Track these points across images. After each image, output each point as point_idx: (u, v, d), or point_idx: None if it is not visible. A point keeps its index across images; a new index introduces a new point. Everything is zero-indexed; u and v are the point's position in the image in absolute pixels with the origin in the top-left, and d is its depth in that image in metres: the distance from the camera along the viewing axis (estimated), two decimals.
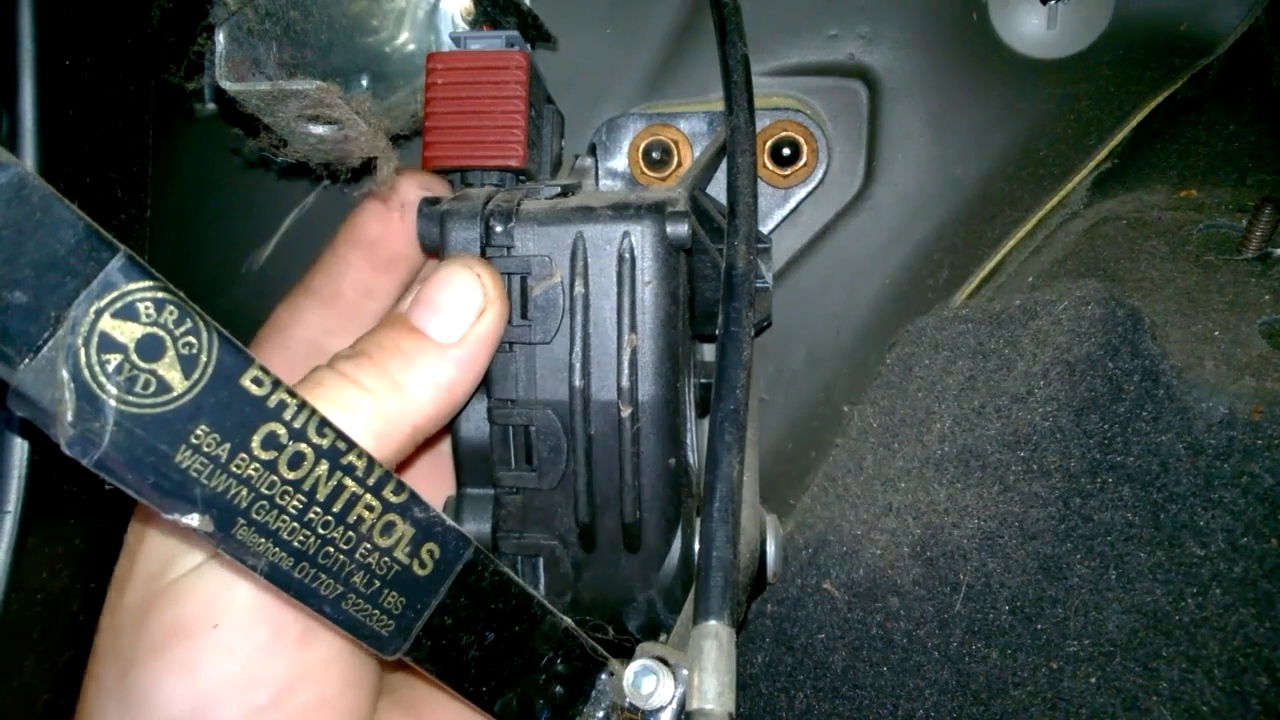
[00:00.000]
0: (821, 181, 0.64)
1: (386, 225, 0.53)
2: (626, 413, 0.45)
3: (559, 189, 0.49)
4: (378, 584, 0.35)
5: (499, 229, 0.45)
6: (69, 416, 0.29)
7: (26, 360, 0.28)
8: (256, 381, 0.32)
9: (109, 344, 0.29)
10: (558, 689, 0.42)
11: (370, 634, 0.36)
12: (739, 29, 0.56)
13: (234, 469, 0.32)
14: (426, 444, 0.47)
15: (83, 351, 0.29)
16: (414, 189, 0.52)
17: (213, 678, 0.36)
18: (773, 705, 0.58)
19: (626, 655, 0.40)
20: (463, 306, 0.43)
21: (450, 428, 0.49)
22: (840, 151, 0.65)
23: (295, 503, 0.33)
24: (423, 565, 0.36)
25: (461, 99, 0.51)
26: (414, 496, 0.36)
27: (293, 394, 0.33)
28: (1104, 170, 0.64)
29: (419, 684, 0.44)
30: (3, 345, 0.28)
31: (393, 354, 0.41)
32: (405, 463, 0.51)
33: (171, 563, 0.38)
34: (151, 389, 0.30)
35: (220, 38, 0.47)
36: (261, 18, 0.48)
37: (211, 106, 0.67)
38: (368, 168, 0.53)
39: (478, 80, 0.51)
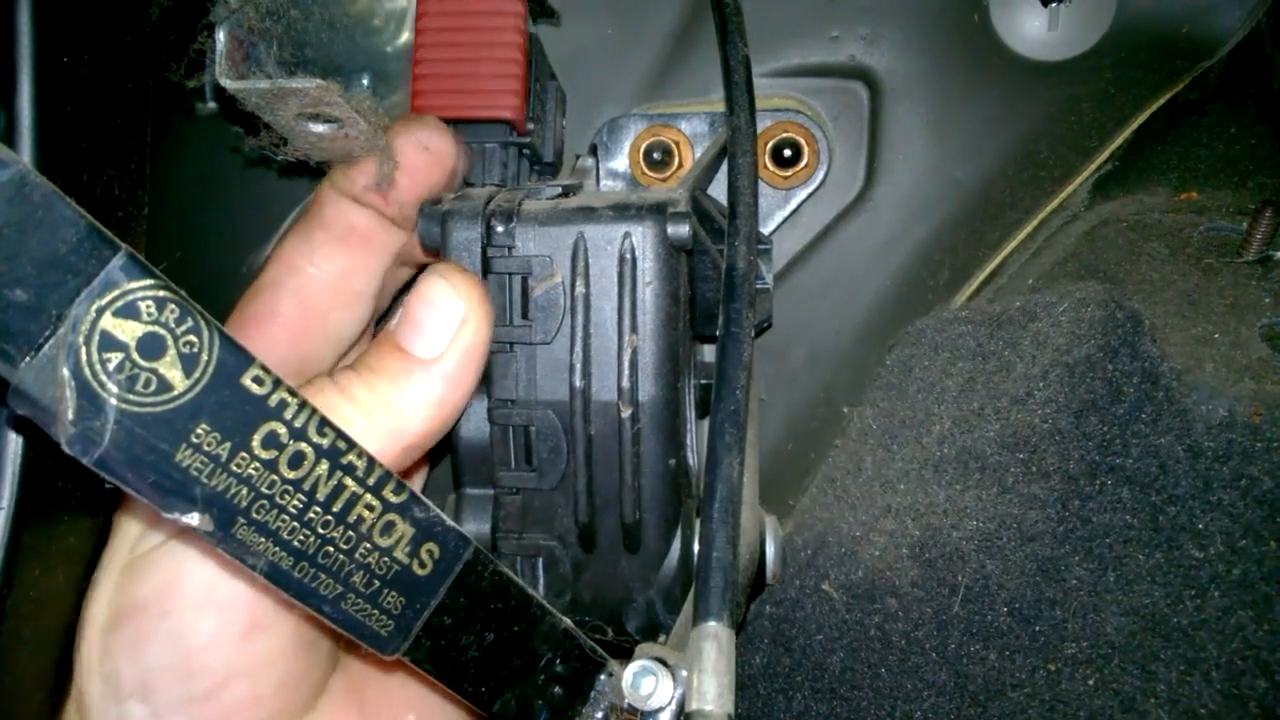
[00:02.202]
0: (822, 183, 0.64)
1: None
2: (627, 413, 0.45)
3: (560, 189, 0.49)
4: (377, 584, 0.35)
5: (500, 229, 0.45)
6: (69, 415, 0.29)
7: (27, 358, 0.28)
8: (257, 380, 0.32)
9: (110, 342, 0.29)
10: (557, 689, 0.42)
11: (370, 634, 0.36)
12: (740, 30, 0.56)
13: (234, 468, 0.32)
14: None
15: (84, 350, 0.29)
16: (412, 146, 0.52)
17: (156, 661, 0.37)
18: (771, 706, 0.58)
19: (626, 656, 0.40)
20: (443, 321, 0.42)
21: (450, 430, 0.49)
22: (841, 153, 0.65)
23: (295, 502, 0.33)
24: (422, 565, 0.36)
25: (454, 45, 0.49)
26: (414, 496, 0.36)
27: (293, 393, 0.33)
28: (1105, 172, 0.64)
29: (367, 669, 0.45)
30: (3, 343, 0.28)
31: (381, 374, 0.41)
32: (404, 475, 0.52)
33: (139, 540, 0.40)
34: (152, 388, 0.30)
35: (220, 36, 0.47)
36: (262, 16, 0.48)
37: (212, 105, 0.67)
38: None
39: (472, 26, 0.49)
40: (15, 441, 0.47)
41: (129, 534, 0.41)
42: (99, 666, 0.40)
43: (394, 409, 0.41)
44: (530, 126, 0.53)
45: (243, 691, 0.38)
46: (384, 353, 0.42)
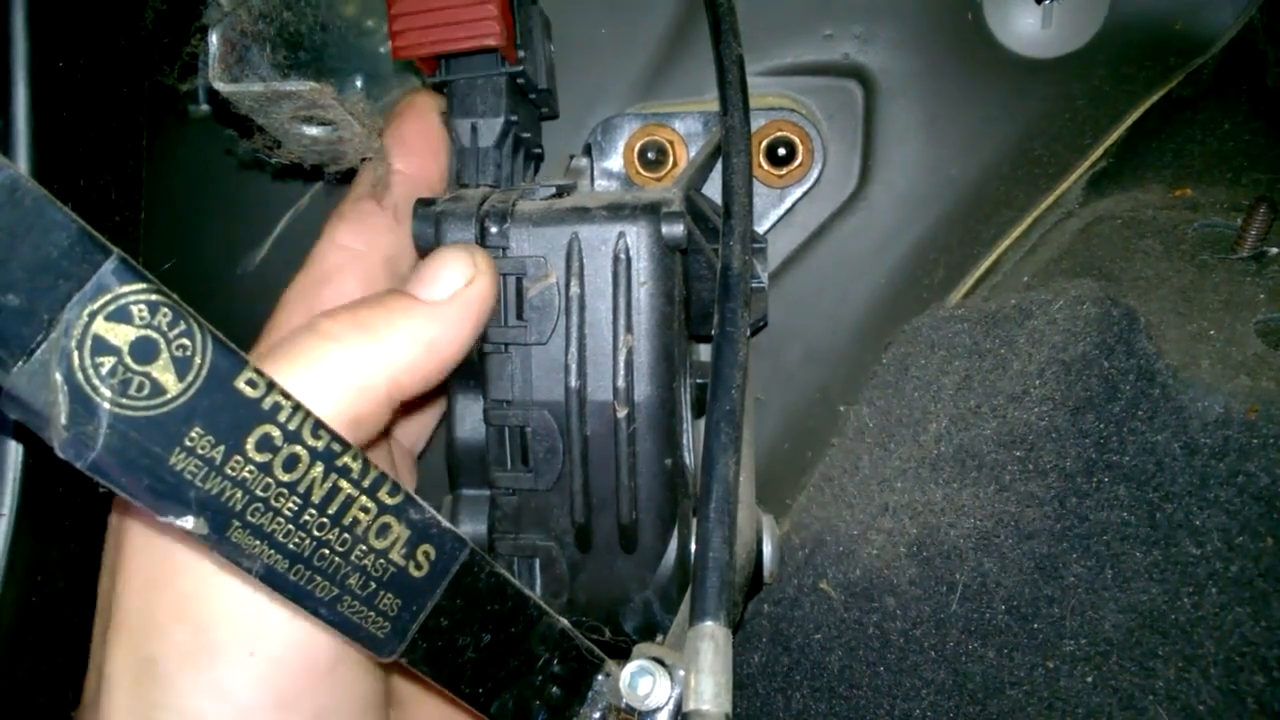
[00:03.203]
0: (817, 181, 0.64)
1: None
2: (622, 413, 0.45)
3: (554, 189, 0.49)
4: (373, 586, 0.35)
5: (494, 230, 0.45)
6: (62, 419, 0.29)
7: (19, 363, 0.28)
8: (250, 384, 0.32)
9: (102, 347, 0.29)
10: (554, 690, 0.42)
11: (366, 636, 0.36)
12: (734, 29, 0.56)
13: (228, 471, 0.32)
14: None
15: (76, 354, 0.29)
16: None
17: (249, 701, 0.36)
18: (769, 705, 0.58)
19: (623, 656, 0.40)
20: (452, 273, 0.43)
21: (445, 429, 0.49)
22: (835, 151, 0.65)
23: (290, 505, 0.33)
24: (418, 567, 0.36)
25: None
26: (409, 498, 0.36)
27: (287, 396, 0.33)
28: (1099, 169, 0.64)
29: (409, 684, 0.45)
30: None
31: (374, 307, 0.41)
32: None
33: (181, 565, 0.37)
34: (145, 391, 0.30)
35: (214, 39, 0.47)
36: (255, 19, 0.48)
37: (205, 108, 0.67)
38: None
39: None
40: (15, 449, 0.47)
41: (150, 558, 0.38)
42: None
43: (380, 340, 0.40)
44: (521, 54, 0.52)
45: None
46: (383, 294, 0.42)
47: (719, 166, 0.55)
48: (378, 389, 0.40)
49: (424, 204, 0.48)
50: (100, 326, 0.29)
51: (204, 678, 0.36)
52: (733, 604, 0.39)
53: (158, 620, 0.37)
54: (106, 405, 0.29)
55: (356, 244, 0.52)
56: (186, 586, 0.37)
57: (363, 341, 0.40)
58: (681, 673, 0.37)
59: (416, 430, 0.58)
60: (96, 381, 0.29)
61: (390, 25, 0.49)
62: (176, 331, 0.30)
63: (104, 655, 0.39)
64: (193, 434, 0.31)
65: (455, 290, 0.43)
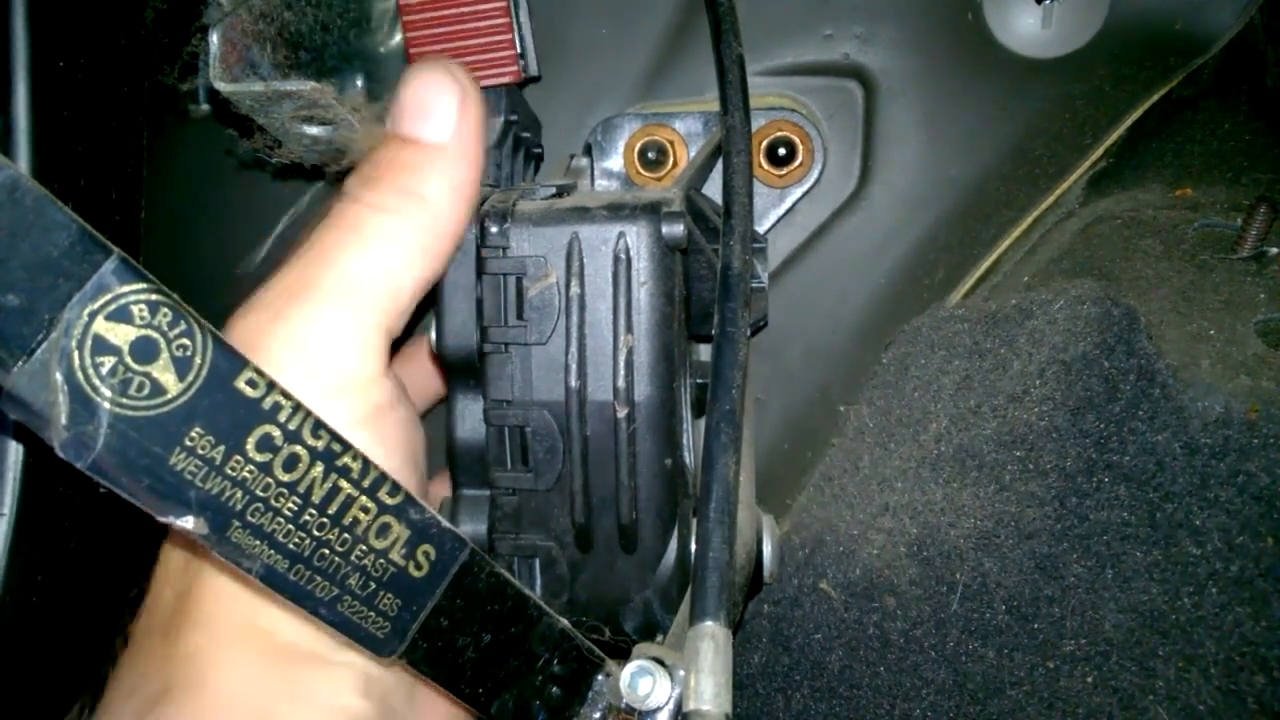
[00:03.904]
0: (817, 181, 0.64)
1: None
2: (623, 413, 0.45)
3: (554, 189, 0.49)
4: (373, 586, 0.35)
5: (494, 229, 0.45)
6: (63, 419, 0.29)
7: (20, 363, 0.28)
8: (251, 384, 0.32)
9: (103, 346, 0.29)
10: (554, 690, 0.42)
11: (366, 636, 0.36)
12: (734, 29, 0.56)
13: (229, 471, 0.32)
14: None
15: (76, 354, 0.29)
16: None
17: None
18: (769, 705, 0.58)
19: (623, 656, 0.40)
20: (447, 101, 0.43)
21: (446, 429, 0.49)
22: (836, 151, 0.65)
23: (290, 505, 0.33)
24: (418, 567, 0.36)
25: (442, 20, 0.51)
26: (409, 498, 0.36)
27: (288, 395, 0.33)
28: (1099, 169, 0.64)
29: None
30: None
31: (402, 169, 0.42)
32: None
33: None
34: (145, 391, 0.30)
35: (214, 38, 0.47)
36: (256, 19, 0.48)
37: (205, 107, 0.67)
38: None
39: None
40: (15, 449, 0.47)
41: (221, 618, 0.39)
42: None
43: (426, 201, 0.41)
44: (522, 63, 0.53)
45: None
46: (394, 150, 0.43)
47: (719, 166, 0.55)
48: (441, 248, 0.42)
49: None
50: (100, 326, 0.29)
51: None
52: (733, 604, 0.39)
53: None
54: (107, 405, 0.29)
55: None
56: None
57: (416, 209, 0.41)
58: (681, 673, 0.37)
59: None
60: (97, 381, 0.29)
61: (408, 60, 0.51)
62: (177, 331, 0.30)
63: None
64: (193, 434, 0.31)
65: (455, 119, 0.43)
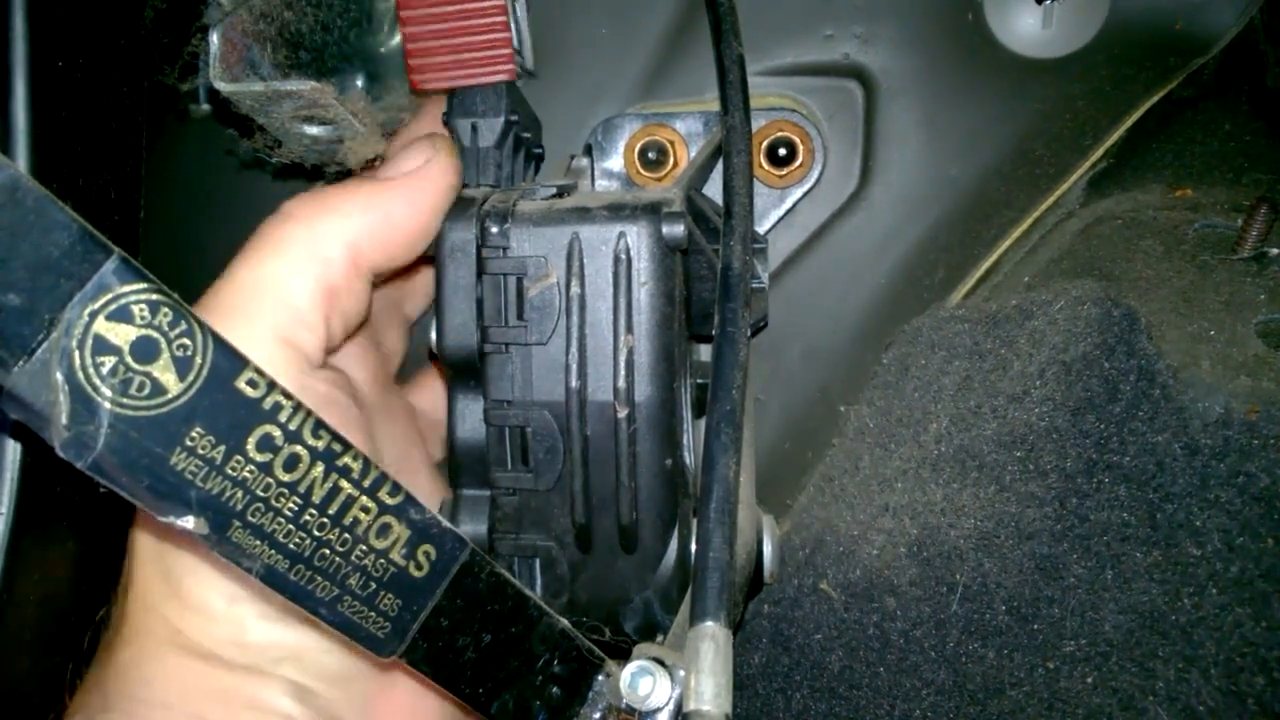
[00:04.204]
0: (817, 181, 0.64)
1: None
2: (623, 413, 0.45)
3: (555, 189, 0.49)
4: (374, 586, 0.35)
5: (495, 230, 0.45)
6: (63, 419, 0.29)
7: (20, 363, 0.28)
8: (251, 383, 0.32)
9: (103, 346, 0.29)
10: (554, 690, 0.42)
11: (366, 636, 0.36)
12: (734, 29, 0.56)
13: (229, 471, 0.32)
14: None
15: (77, 354, 0.29)
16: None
17: None
18: (769, 706, 0.58)
19: (623, 656, 0.40)
20: (411, 155, 0.46)
21: (446, 429, 0.49)
22: (836, 151, 0.65)
23: (291, 505, 0.33)
24: (419, 567, 0.36)
25: (440, 18, 0.51)
26: (410, 498, 0.36)
27: (288, 395, 0.33)
28: (1099, 170, 0.64)
29: None
30: None
31: (334, 188, 0.45)
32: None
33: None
34: (146, 391, 0.30)
35: (214, 38, 0.47)
36: (256, 18, 0.48)
37: (206, 107, 0.67)
38: (362, 169, 0.53)
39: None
40: (13, 448, 0.47)
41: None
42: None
43: (336, 211, 0.43)
44: (519, 61, 0.54)
45: None
46: (347, 182, 0.46)
47: (719, 166, 0.55)
48: (340, 257, 0.42)
49: None
50: (101, 326, 0.29)
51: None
52: (733, 604, 0.39)
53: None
54: (107, 405, 0.29)
55: None
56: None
57: (319, 214, 0.42)
58: (681, 673, 0.37)
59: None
60: (97, 381, 0.29)
61: (406, 58, 0.51)
62: (177, 331, 0.30)
63: (133, 532, 0.40)
64: (193, 434, 0.31)
65: (414, 168, 0.45)
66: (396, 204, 0.44)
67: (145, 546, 0.40)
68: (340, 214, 0.43)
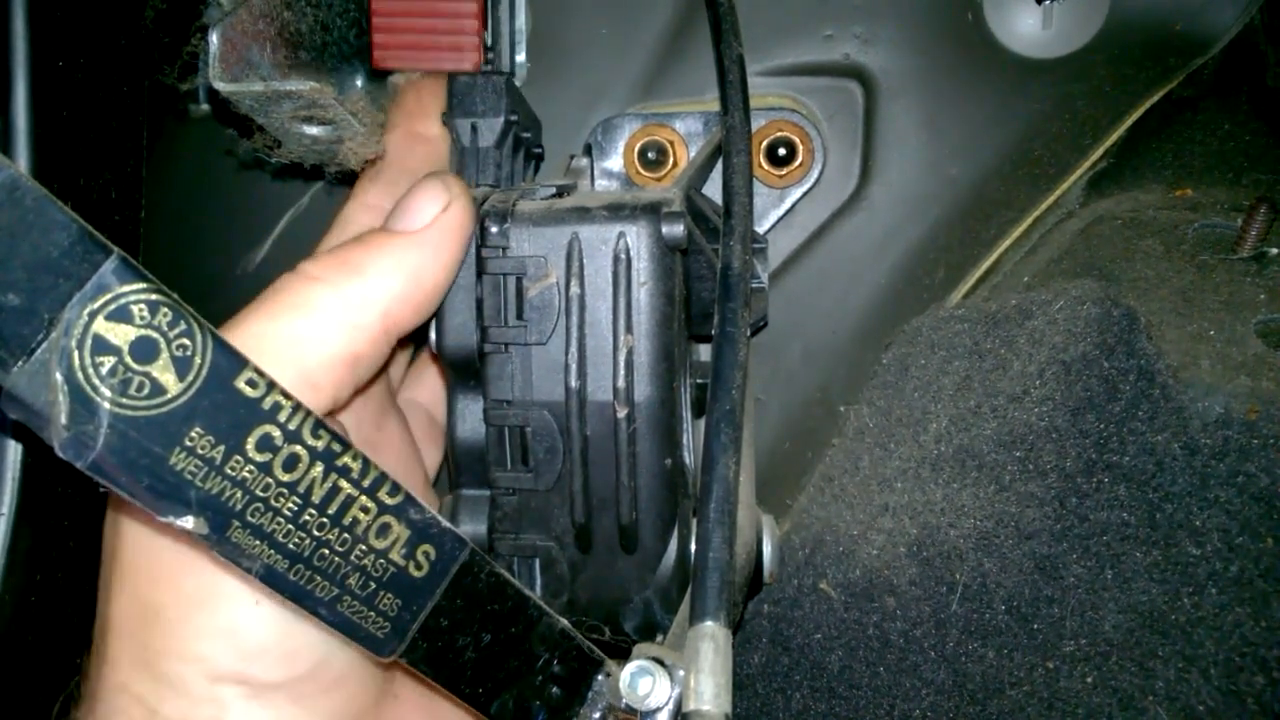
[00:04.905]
0: (817, 181, 0.64)
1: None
2: (623, 413, 0.45)
3: (554, 189, 0.49)
4: (373, 586, 0.35)
5: (494, 230, 0.45)
6: (62, 419, 0.29)
7: (20, 363, 0.28)
8: (251, 384, 0.32)
9: (103, 346, 0.29)
10: (554, 690, 0.42)
11: (366, 636, 0.36)
12: (734, 29, 0.56)
13: (228, 471, 0.32)
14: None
15: (76, 354, 0.29)
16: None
17: (255, 646, 0.37)
18: (769, 705, 0.58)
19: (623, 656, 0.40)
20: (427, 202, 0.43)
21: (446, 429, 0.49)
22: (836, 151, 0.65)
23: (290, 505, 0.33)
24: (418, 567, 0.36)
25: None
26: (409, 498, 0.36)
27: (287, 395, 0.33)
28: (1099, 170, 0.64)
29: None
30: None
31: (354, 245, 0.41)
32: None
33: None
34: (145, 391, 0.30)
35: (214, 38, 0.47)
36: (256, 19, 0.48)
37: (205, 107, 0.67)
38: (362, 169, 0.53)
39: None
40: (14, 448, 0.47)
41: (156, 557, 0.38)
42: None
43: (365, 274, 0.40)
44: (489, 56, 0.53)
45: (336, 668, 0.39)
46: (363, 235, 0.43)
47: (719, 166, 0.55)
48: (372, 325, 0.40)
49: None
50: (100, 326, 0.29)
51: (209, 623, 0.36)
52: (733, 604, 0.39)
53: (163, 568, 0.37)
54: (106, 405, 0.29)
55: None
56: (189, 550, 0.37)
57: (350, 279, 0.40)
58: (681, 673, 0.37)
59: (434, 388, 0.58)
60: (97, 381, 0.29)
61: (372, 33, 0.50)
62: (177, 331, 0.30)
63: (106, 600, 0.38)
64: (193, 434, 0.31)
65: (433, 217, 0.43)
66: (425, 261, 0.42)
67: (120, 616, 0.38)
68: (370, 279, 0.40)
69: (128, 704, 0.37)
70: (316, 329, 0.38)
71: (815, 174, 0.64)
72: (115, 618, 0.38)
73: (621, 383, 0.45)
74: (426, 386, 0.58)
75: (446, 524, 0.37)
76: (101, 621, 0.39)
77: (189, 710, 0.36)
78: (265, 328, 0.38)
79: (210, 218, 0.70)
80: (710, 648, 0.37)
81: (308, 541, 0.34)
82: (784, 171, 0.64)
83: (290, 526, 0.33)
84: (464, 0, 0.50)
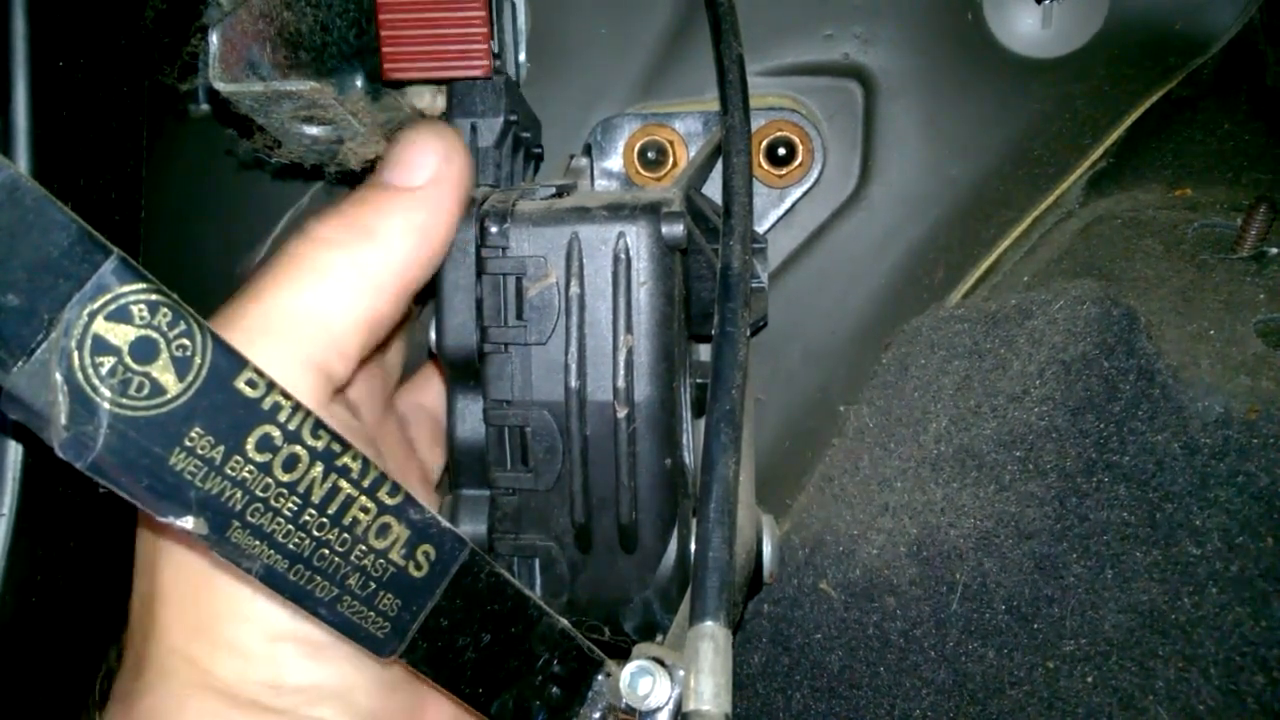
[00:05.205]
0: (817, 181, 0.64)
1: None
2: (622, 413, 0.45)
3: (554, 189, 0.49)
4: (373, 586, 0.35)
5: (494, 229, 0.45)
6: (62, 419, 0.29)
7: (20, 363, 0.28)
8: (250, 384, 0.32)
9: (102, 346, 0.29)
10: (554, 690, 0.42)
11: (366, 636, 0.36)
12: (734, 28, 0.56)
13: (228, 471, 0.32)
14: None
15: (76, 354, 0.29)
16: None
17: None
18: (769, 705, 0.58)
19: (623, 656, 0.40)
20: (426, 154, 0.43)
21: (446, 429, 0.49)
22: (836, 151, 0.65)
23: (290, 505, 0.33)
24: (418, 567, 0.36)
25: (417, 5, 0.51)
26: (409, 498, 0.36)
27: (287, 396, 0.33)
28: (1099, 169, 0.64)
29: None
30: None
31: (360, 205, 0.42)
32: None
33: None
34: (145, 391, 0.30)
35: (214, 38, 0.47)
36: (256, 19, 0.48)
37: (205, 107, 0.67)
38: (362, 169, 0.53)
39: None
40: (14, 449, 0.47)
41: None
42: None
43: (377, 236, 0.41)
44: (496, 64, 0.53)
45: None
46: (365, 190, 0.43)
47: (719, 166, 0.55)
48: (390, 286, 0.41)
49: None
50: (100, 326, 0.29)
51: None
52: (733, 604, 0.39)
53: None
54: (106, 405, 0.29)
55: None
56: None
57: (363, 243, 0.40)
58: (681, 673, 0.37)
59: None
60: (96, 381, 0.29)
61: (381, 45, 0.50)
62: (176, 331, 0.30)
63: (151, 571, 0.38)
64: (193, 434, 0.31)
65: (433, 169, 0.43)
66: (432, 217, 0.42)
67: (169, 584, 0.38)
68: (383, 240, 0.41)
69: (180, 665, 0.37)
70: (339, 296, 0.39)
71: (815, 174, 0.64)
72: (164, 586, 0.38)
73: (621, 383, 0.45)
74: (432, 391, 0.58)
75: (446, 524, 0.37)
76: (145, 592, 0.39)
77: (245, 669, 0.37)
78: (288, 299, 0.39)
79: (210, 218, 0.70)
80: (710, 648, 0.37)
81: (308, 542, 0.34)
82: (784, 171, 0.64)
83: (290, 527, 0.33)
84: (471, 9, 0.50)
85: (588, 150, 0.64)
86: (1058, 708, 0.51)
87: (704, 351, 0.57)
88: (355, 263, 0.40)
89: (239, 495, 0.32)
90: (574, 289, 0.45)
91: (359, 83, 0.56)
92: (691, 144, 0.64)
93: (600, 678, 0.43)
